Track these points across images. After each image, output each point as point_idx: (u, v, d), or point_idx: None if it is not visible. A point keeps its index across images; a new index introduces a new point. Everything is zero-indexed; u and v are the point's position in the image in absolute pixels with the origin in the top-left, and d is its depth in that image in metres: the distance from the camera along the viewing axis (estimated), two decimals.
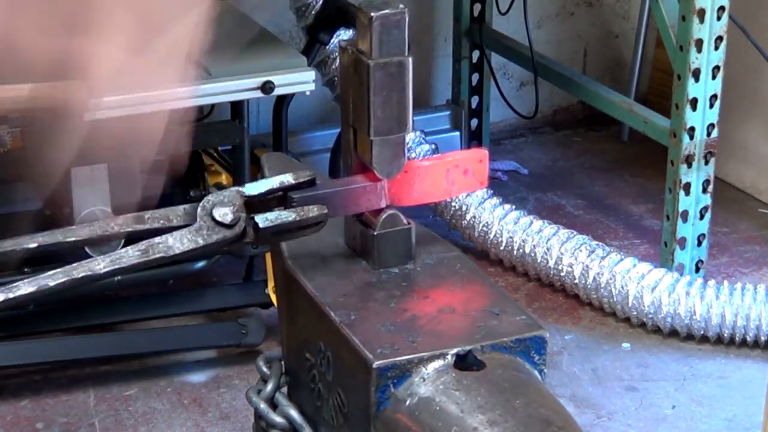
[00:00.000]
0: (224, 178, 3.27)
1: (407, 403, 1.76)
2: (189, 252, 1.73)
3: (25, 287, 1.65)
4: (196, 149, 3.25)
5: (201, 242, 1.75)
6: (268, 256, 3.15)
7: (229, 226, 1.77)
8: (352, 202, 1.88)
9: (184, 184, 3.28)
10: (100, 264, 1.71)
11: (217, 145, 3.28)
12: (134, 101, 2.86)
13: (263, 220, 1.79)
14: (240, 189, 1.80)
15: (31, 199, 3.38)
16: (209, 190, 3.24)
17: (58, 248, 1.72)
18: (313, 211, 1.82)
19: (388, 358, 1.77)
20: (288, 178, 1.83)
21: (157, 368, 3.09)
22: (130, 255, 1.71)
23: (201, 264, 3.16)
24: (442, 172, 1.91)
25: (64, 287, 1.67)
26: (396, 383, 1.76)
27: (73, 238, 1.76)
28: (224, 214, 1.76)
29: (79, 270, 1.69)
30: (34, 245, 1.71)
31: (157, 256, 1.73)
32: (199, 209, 1.76)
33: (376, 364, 1.76)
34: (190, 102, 3.04)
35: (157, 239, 1.72)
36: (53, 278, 1.66)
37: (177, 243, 1.73)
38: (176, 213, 1.76)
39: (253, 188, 1.81)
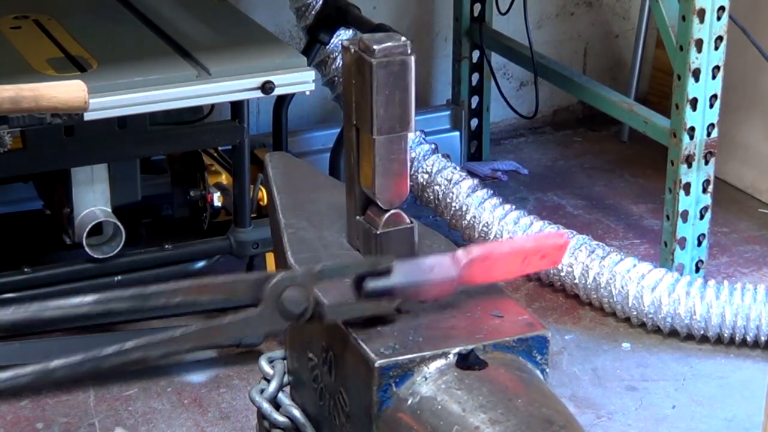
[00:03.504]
0: (224, 178, 3.27)
1: (409, 402, 1.76)
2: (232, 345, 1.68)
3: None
4: (196, 149, 3.25)
5: (263, 331, 1.69)
6: (268, 256, 3.15)
7: (297, 317, 1.72)
8: (426, 292, 1.86)
9: (184, 184, 3.28)
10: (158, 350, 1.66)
11: (217, 145, 3.28)
12: (132, 101, 2.86)
13: (331, 312, 1.76)
14: (313, 271, 1.74)
15: (31, 199, 3.39)
16: (209, 189, 3.24)
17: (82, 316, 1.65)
18: (383, 305, 1.79)
19: (390, 357, 1.77)
20: (366, 264, 1.80)
21: (157, 368, 3.09)
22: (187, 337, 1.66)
23: (201, 264, 3.16)
24: (519, 258, 1.91)
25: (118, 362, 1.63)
26: (398, 382, 1.77)
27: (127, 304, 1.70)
28: (294, 302, 1.69)
29: (134, 352, 1.64)
30: (84, 309, 1.65)
31: (217, 343, 1.68)
32: (267, 290, 1.67)
33: (378, 363, 1.76)
34: (190, 102, 3.06)
35: (216, 324, 1.65)
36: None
37: (236, 331, 1.68)
38: (243, 285, 1.70)
39: (330, 273, 1.75)
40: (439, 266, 1.86)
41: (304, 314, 1.72)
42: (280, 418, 2.08)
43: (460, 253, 1.86)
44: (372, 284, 1.78)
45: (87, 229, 2.97)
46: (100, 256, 2.99)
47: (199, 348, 1.66)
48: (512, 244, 1.92)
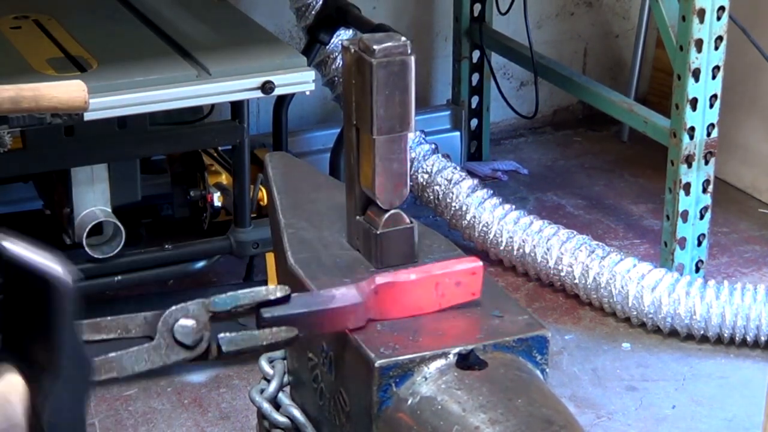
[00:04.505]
0: (224, 178, 3.27)
1: (409, 402, 1.75)
2: (143, 372, 1.62)
3: None
4: (196, 149, 3.25)
5: (159, 362, 1.62)
6: (268, 256, 3.15)
7: (190, 347, 1.66)
8: (328, 321, 1.79)
9: (184, 184, 3.28)
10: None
11: (217, 145, 3.28)
12: (132, 101, 2.86)
13: (227, 342, 1.69)
14: (206, 302, 1.67)
15: (31, 199, 3.38)
16: (209, 189, 3.24)
17: None
18: (281, 333, 1.71)
19: (390, 357, 1.77)
20: (261, 294, 1.72)
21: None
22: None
23: (201, 264, 3.16)
24: (430, 285, 1.84)
25: None
26: (398, 382, 1.76)
27: None
28: (186, 333, 1.63)
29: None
30: None
31: (107, 376, 1.61)
32: (160, 323, 1.62)
33: (378, 363, 1.75)
34: (190, 102, 3.05)
35: (111, 355, 1.58)
36: None
37: (131, 363, 1.60)
38: (135, 323, 1.63)
39: (222, 303, 1.68)
40: (341, 295, 1.80)
41: (199, 345, 1.67)
42: (280, 418, 2.08)
43: (365, 282, 1.81)
44: (268, 313, 1.73)
45: (87, 229, 2.97)
46: (100, 256, 2.99)
47: (93, 387, 1.58)
48: (420, 270, 1.85)
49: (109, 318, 1.63)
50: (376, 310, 1.81)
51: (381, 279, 1.80)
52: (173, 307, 1.65)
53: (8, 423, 0.99)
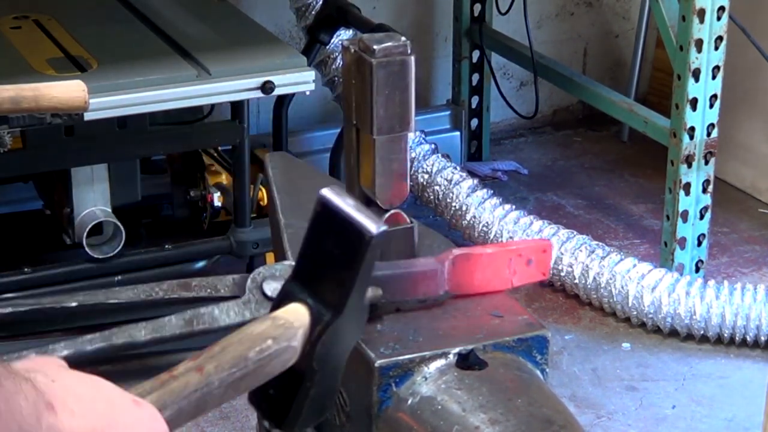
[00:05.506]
0: (224, 178, 3.27)
1: (409, 402, 1.75)
2: (235, 326, 1.67)
3: (61, 350, 1.61)
4: (196, 149, 3.25)
5: (248, 316, 1.68)
6: (268, 256, 3.15)
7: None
8: (410, 286, 1.82)
9: (184, 184, 3.28)
10: (141, 331, 1.66)
11: (217, 145, 3.28)
12: (132, 101, 2.86)
13: None
14: (293, 263, 1.74)
15: (31, 199, 3.38)
16: (209, 189, 3.24)
17: (98, 308, 1.67)
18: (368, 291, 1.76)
19: (390, 357, 1.76)
20: None
21: (157, 368, 3.08)
22: (173, 324, 1.65)
23: (201, 264, 3.16)
24: (504, 261, 1.88)
25: (104, 353, 1.63)
26: (398, 382, 1.76)
27: (115, 300, 1.71)
28: (275, 288, 1.69)
29: (119, 336, 1.64)
30: (73, 304, 1.65)
31: (202, 327, 1.66)
32: (249, 281, 1.69)
33: (378, 363, 1.75)
34: (190, 102, 3.05)
35: (202, 309, 1.64)
36: (91, 343, 1.61)
37: (223, 315, 1.65)
38: (225, 283, 1.69)
39: None
40: (421, 264, 1.85)
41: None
42: None
43: (443, 254, 1.86)
44: None
45: (87, 229, 2.98)
46: (100, 256, 2.99)
47: (190, 336, 1.65)
48: (494, 246, 1.93)
49: (198, 278, 1.71)
50: (453, 283, 1.83)
51: (458, 251, 1.85)
52: (261, 268, 1.71)
53: (287, 344, 1.11)
